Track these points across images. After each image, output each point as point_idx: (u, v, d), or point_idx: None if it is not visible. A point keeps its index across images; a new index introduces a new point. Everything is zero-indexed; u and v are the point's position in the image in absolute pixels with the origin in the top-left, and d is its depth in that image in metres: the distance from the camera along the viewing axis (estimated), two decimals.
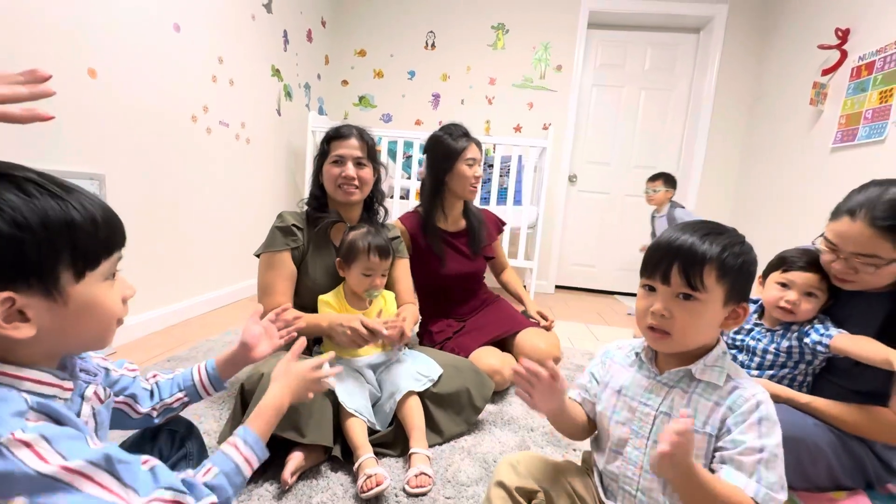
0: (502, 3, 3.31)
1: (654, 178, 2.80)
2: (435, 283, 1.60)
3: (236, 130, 2.34)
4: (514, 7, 3.30)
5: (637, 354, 0.75)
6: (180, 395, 0.76)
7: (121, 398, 0.69)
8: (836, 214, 0.95)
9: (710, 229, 0.66)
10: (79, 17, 1.45)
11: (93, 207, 0.49)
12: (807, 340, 1.01)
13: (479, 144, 1.58)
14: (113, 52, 1.58)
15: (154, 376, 0.77)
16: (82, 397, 0.56)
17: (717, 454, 0.63)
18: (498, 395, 1.46)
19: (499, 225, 1.81)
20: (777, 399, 0.99)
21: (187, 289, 2.08)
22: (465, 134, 1.57)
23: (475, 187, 1.59)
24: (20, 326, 0.45)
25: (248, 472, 0.62)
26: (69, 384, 0.52)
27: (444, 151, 1.54)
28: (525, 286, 3.37)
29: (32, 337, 0.46)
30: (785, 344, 1.05)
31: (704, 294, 0.63)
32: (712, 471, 0.62)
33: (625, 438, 0.71)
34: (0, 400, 0.43)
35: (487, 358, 1.44)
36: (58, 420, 0.46)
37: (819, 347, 0.99)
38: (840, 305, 1.05)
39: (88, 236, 0.48)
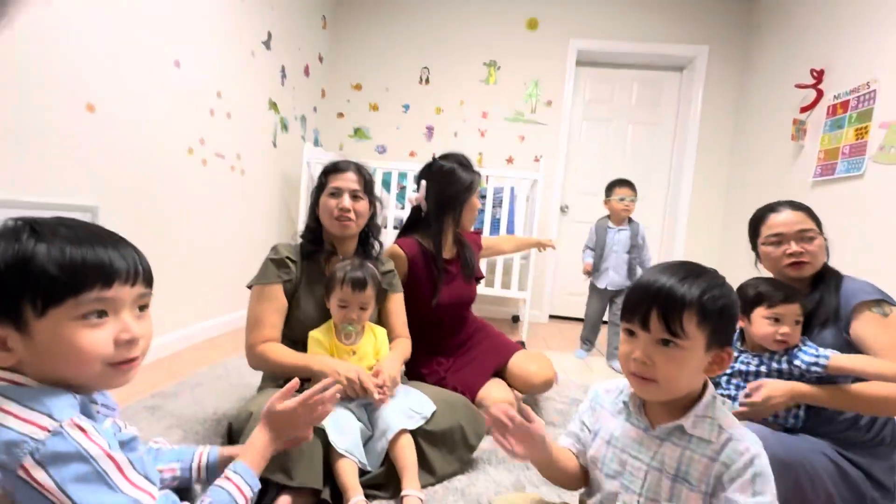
0: (494, 41, 3.44)
1: (626, 185, 2.44)
2: (429, 313, 1.55)
3: (231, 162, 2.37)
4: (505, 45, 3.44)
5: (625, 403, 0.73)
6: (175, 465, 0.75)
7: None
8: (758, 224, 1.20)
9: (689, 272, 0.64)
10: (80, 52, 1.48)
11: (65, 250, 0.52)
12: (797, 363, 1.04)
13: None
14: (113, 87, 1.61)
15: (157, 443, 0.77)
16: None
17: None
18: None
19: (478, 242, 1.81)
20: (813, 398, 0.99)
21: (177, 320, 2.05)
22: (471, 165, 1.61)
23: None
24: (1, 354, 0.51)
25: (241, 501, 0.66)
26: (96, 407, 0.57)
27: (462, 184, 1.54)
28: (518, 316, 3.37)
29: (16, 364, 0.52)
30: (775, 366, 1.07)
31: (686, 340, 0.61)
32: None
33: (614, 492, 0.69)
34: (55, 395, 0.51)
35: (498, 392, 1.45)
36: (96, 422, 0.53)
37: (815, 368, 1.01)
38: None
39: (48, 277, 0.51)
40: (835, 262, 1.17)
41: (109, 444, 0.51)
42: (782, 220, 1.15)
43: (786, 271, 1.14)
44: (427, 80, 3.52)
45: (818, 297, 1.11)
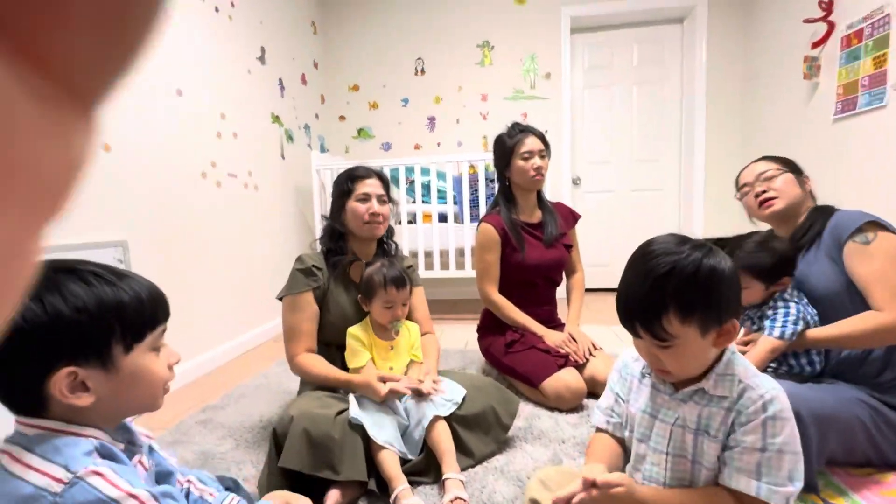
0: (484, 22, 3.39)
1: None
2: (520, 274, 1.70)
3: (244, 179, 2.44)
4: (496, 24, 3.38)
5: (650, 372, 0.75)
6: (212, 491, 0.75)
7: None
8: (736, 182, 1.29)
9: (663, 269, 0.61)
10: None
11: (140, 289, 0.57)
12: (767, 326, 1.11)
13: (541, 136, 1.67)
14: (123, 125, 1.68)
15: (188, 481, 0.75)
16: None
17: (722, 454, 0.64)
18: (527, 410, 1.45)
19: (574, 215, 1.86)
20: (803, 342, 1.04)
21: (211, 339, 2.15)
22: (522, 129, 1.67)
23: (539, 177, 1.65)
24: (82, 396, 0.53)
25: None
26: (121, 446, 0.58)
27: (501, 150, 1.70)
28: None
29: (93, 403, 0.54)
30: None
31: (676, 339, 0.62)
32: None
33: (642, 455, 0.72)
34: (72, 444, 0.51)
35: (570, 375, 1.46)
36: (117, 462, 0.54)
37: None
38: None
39: (136, 314, 0.56)
40: (865, 197, 1.15)
41: (131, 482, 0.50)
42: (746, 171, 1.26)
43: (762, 215, 1.21)
44: (423, 71, 3.51)
45: (808, 224, 1.17)
